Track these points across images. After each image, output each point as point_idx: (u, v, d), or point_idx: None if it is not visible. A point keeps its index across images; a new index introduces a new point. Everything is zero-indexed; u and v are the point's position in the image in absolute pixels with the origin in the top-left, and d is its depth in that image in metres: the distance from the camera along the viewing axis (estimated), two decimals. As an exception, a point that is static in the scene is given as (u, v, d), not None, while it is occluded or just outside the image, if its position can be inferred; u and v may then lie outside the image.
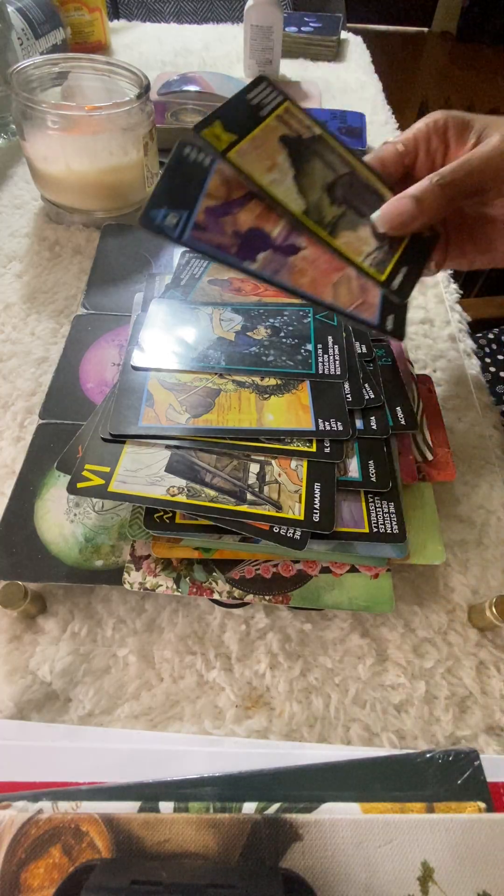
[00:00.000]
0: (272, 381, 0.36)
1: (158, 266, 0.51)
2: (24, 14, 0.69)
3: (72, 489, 0.31)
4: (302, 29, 0.95)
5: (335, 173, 0.33)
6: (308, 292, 0.31)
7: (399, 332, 0.32)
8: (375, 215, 0.32)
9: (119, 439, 0.33)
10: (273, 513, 0.30)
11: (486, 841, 0.23)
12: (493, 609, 0.30)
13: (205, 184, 0.30)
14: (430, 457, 0.36)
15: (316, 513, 0.30)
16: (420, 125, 0.34)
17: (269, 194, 0.31)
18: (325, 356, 0.38)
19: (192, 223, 0.29)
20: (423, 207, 0.31)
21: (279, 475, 0.32)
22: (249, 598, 0.31)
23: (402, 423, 0.36)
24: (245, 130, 0.31)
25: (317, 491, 0.31)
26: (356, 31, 1.05)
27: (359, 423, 0.35)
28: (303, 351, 0.38)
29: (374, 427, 0.35)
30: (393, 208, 0.32)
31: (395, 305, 0.32)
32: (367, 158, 0.35)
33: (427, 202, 0.31)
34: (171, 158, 0.30)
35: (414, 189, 0.31)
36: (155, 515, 0.31)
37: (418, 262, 0.33)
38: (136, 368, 0.37)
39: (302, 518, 0.30)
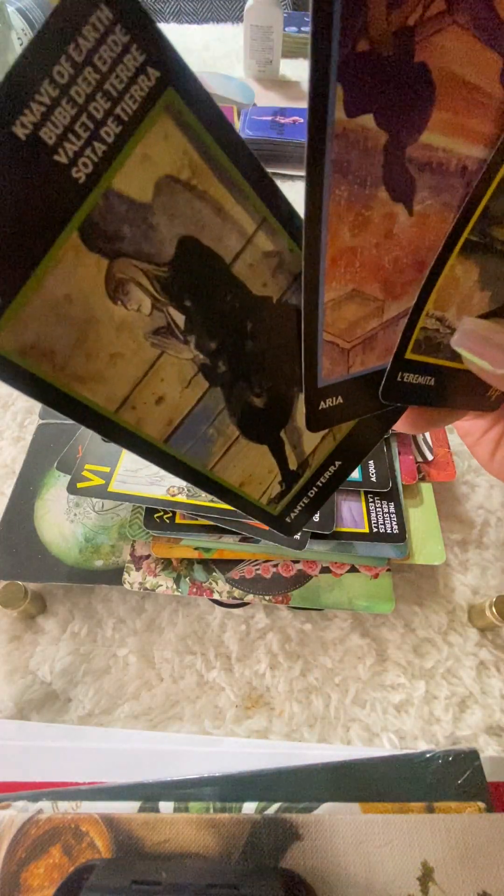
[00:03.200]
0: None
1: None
2: (24, 14, 0.69)
3: (72, 489, 0.31)
4: (302, 29, 0.95)
5: None
6: (322, 253, 0.15)
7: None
8: (465, 322, 0.18)
9: (119, 439, 0.33)
10: (273, 513, 0.30)
11: (486, 841, 0.23)
12: (493, 609, 0.30)
13: None
14: (430, 457, 0.36)
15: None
16: None
17: None
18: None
19: None
20: None
21: (279, 475, 0.32)
22: (249, 598, 0.31)
23: (402, 423, 0.35)
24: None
25: (317, 491, 0.31)
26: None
27: (359, 424, 0.35)
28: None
29: (374, 427, 0.34)
30: (484, 335, 0.17)
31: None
32: None
33: None
34: None
35: None
36: (155, 515, 0.31)
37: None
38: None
39: (302, 518, 0.30)
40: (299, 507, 0.21)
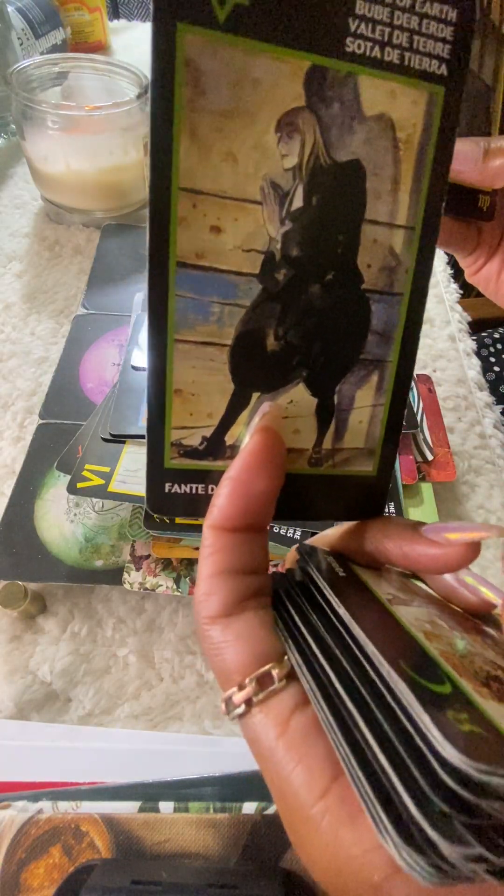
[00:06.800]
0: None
1: (158, 266, 0.51)
2: (24, 14, 0.69)
3: (72, 489, 0.31)
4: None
5: None
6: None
7: None
8: None
9: (119, 439, 0.33)
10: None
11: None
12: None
13: None
14: (430, 457, 0.36)
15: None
16: None
17: None
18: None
19: None
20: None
21: (279, 475, 0.32)
22: (249, 598, 0.31)
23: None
24: None
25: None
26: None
27: (359, 424, 0.34)
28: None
29: (374, 427, 0.34)
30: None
31: None
32: None
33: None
34: None
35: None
36: (155, 515, 0.31)
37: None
38: (136, 368, 0.37)
39: (302, 518, 0.30)
40: (187, 487, 0.16)
